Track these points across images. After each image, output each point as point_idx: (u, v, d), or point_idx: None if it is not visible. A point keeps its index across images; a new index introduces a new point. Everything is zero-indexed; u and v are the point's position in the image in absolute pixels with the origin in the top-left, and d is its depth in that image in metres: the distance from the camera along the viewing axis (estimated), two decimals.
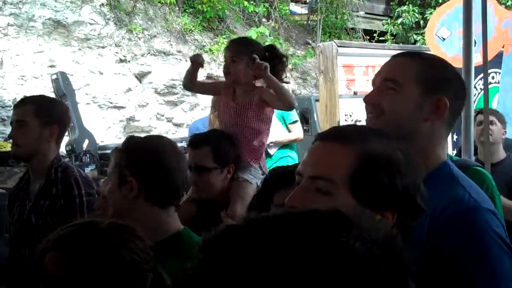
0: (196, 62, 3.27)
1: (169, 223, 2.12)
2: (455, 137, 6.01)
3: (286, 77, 3.23)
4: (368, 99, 1.80)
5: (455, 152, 5.48)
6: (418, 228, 1.41)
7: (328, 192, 1.32)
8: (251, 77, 3.09)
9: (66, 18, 10.24)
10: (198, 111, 10.71)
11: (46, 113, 3.04)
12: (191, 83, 3.35)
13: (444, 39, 6.55)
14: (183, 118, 10.85)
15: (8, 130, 8.98)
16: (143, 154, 2.12)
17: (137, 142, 2.19)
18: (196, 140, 2.97)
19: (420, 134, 1.72)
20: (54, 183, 2.95)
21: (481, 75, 5.39)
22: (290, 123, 6.04)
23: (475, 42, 3.64)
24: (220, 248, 0.80)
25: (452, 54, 6.44)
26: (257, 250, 0.77)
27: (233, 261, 0.77)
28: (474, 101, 3.63)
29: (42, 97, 3.42)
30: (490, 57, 4.10)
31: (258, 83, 3.19)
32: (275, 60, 3.14)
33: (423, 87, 1.74)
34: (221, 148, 2.90)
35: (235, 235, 0.81)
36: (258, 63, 2.97)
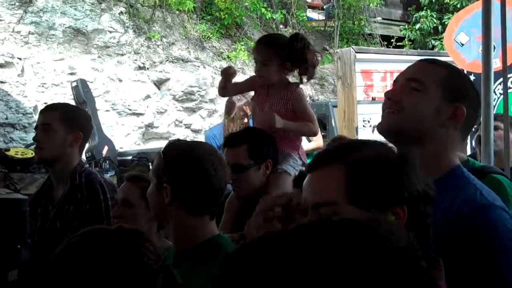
0: (227, 73, 3.31)
1: (200, 231, 2.12)
2: (473, 142, 5.99)
3: (308, 73, 3.13)
4: (390, 94, 1.83)
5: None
6: (431, 227, 1.43)
7: (333, 214, 1.34)
8: (284, 75, 3.10)
9: (86, 26, 10.34)
10: (216, 117, 10.75)
11: (71, 120, 3.10)
12: (224, 90, 3.40)
13: (462, 44, 6.53)
14: (201, 125, 10.90)
15: (29, 136, 9.09)
16: (179, 162, 2.12)
17: (176, 149, 2.18)
18: (231, 139, 3.00)
19: (434, 138, 1.76)
20: (79, 188, 2.99)
21: (500, 79, 5.37)
22: None
23: (494, 47, 3.63)
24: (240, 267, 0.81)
25: (470, 59, 6.43)
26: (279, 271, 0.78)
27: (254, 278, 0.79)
28: (494, 106, 3.62)
29: (67, 104, 3.50)
30: (509, 62, 4.09)
31: (290, 78, 3.19)
32: (303, 49, 3.07)
33: (444, 93, 1.78)
34: (256, 145, 2.91)
35: (257, 252, 0.82)
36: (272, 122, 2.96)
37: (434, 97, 1.77)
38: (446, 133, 1.78)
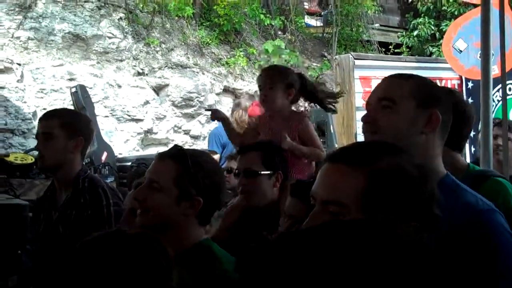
0: (219, 118, 3.47)
1: (196, 236, 2.14)
2: (473, 148, 6.01)
3: (328, 102, 3.37)
4: (365, 119, 1.86)
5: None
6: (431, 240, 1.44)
7: (341, 215, 1.35)
8: (288, 103, 3.24)
9: (85, 32, 10.37)
10: (215, 123, 10.75)
11: (72, 126, 3.10)
12: (237, 141, 3.55)
13: (461, 51, 6.56)
14: (200, 131, 10.91)
15: (28, 142, 9.10)
16: (210, 174, 2.12)
17: (197, 160, 2.14)
18: (245, 147, 3.05)
19: (417, 147, 1.77)
20: (82, 193, 3.00)
21: (499, 86, 5.40)
22: None
23: (492, 54, 3.66)
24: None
25: (469, 66, 6.46)
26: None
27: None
28: (492, 113, 3.65)
29: (67, 110, 3.50)
30: (507, 68, 4.12)
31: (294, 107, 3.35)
32: (305, 88, 3.30)
33: (416, 102, 1.81)
34: (269, 154, 2.93)
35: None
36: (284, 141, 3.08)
37: (408, 109, 1.80)
38: (426, 140, 1.81)
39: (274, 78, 3.22)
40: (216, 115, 3.57)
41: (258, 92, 3.34)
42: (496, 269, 1.62)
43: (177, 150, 2.18)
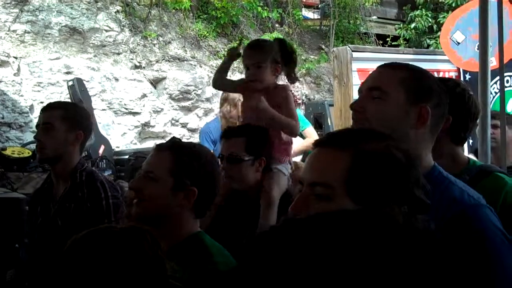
0: (234, 53, 3.32)
1: (190, 229, 2.16)
2: (471, 140, 6.01)
3: (294, 74, 3.24)
4: (354, 106, 1.86)
5: (471, 156, 5.47)
6: None
7: (327, 197, 1.36)
8: (275, 78, 3.15)
9: (82, 25, 10.33)
10: (212, 116, 10.75)
11: (73, 118, 3.12)
12: (219, 80, 3.41)
13: (458, 43, 6.56)
14: (198, 124, 10.90)
15: (25, 136, 9.08)
16: (205, 164, 2.14)
17: (192, 151, 2.18)
18: (229, 132, 3.03)
19: (407, 140, 1.75)
20: (80, 186, 3.01)
21: (497, 78, 5.40)
22: (304, 129, 5.93)
23: (490, 46, 3.66)
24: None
25: (466, 58, 6.46)
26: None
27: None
28: (490, 105, 3.66)
29: (68, 103, 3.53)
30: (505, 60, 4.12)
31: (279, 81, 3.24)
32: (286, 56, 3.16)
33: (408, 96, 1.80)
34: (253, 140, 2.93)
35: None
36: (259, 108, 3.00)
37: (398, 101, 1.80)
38: (416, 134, 1.80)
39: (261, 56, 3.11)
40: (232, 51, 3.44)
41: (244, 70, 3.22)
42: (484, 266, 1.61)
43: (173, 141, 2.20)
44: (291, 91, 3.19)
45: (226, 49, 11.77)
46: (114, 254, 1.54)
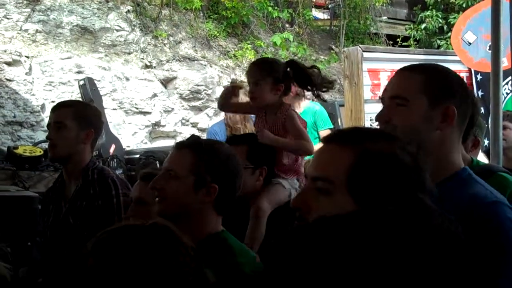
0: (233, 89, 3.31)
1: (213, 227, 2.17)
2: (486, 141, 5.99)
3: (324, 86, 3.12)
4: (379, 118, 1.87)
5: (483, 156, 5.45)
6: None
7: (327, 192, 1.36)
8: (277, 97, 3.08)
9: (93, 24, 10.38)
10: (222, 116, 10.76)
11: (83, 117, 3.14)
12: (225, 105, 3.39)
13: (470, 43, 6.54)
14: (208, 123, 10.91)
15: (37, 135, 9.13)
16: (225, 161, 2.16)
17: (213, 148, 2.19)
18: (233, 139, 3.04)
19: (432, 143, 1.77)
20: (91, 184, 3.03)
21: (509, 78, 5.39)
22: (322, 130, 5.91)
23: (502, 46, 3.65)
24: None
25: (478, 58, 6.44)
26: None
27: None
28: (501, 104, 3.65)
29: (79, 102, 3.55)
30: None
31: (286, 100, 3.19)
32: (299, 74, 3.08)
33: (429, 99, 1.79)
34: (255, 148, 2.91)
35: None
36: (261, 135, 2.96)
37: (420, 106, 1.79)
38: (443, 135, 1.79)
39: (259, 74, 3.07)
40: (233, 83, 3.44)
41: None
42: (500, 262, 1.61)
43: (193, 139, 2.21)
44: (292, 109, 3.13)
45: (235, 50, 11.79)
46: (147, 252, 1.48)
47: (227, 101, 3.33)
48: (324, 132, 5.80)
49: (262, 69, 3.10)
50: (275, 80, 3.03)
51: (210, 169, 2.12)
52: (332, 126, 6.04)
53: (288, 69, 3.09)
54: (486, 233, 1.63)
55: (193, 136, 2.26)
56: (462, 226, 1.61)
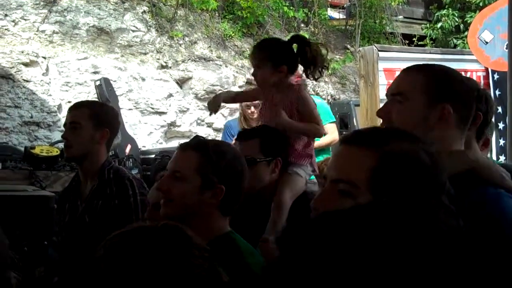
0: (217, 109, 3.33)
1: (219, 227, 2.16)
2: (501, 141, 5.93)
3: (324, 68, 3.02)
4: (379, 113, 1.91)
5: (502, 157, 5.40)
6: None
7: (349, 194, 1.37)
8: (281, 77, 3.00)
9: (109, 25, 10.44)
10: (237, 116, 10.78)
11: (99, 117, 3.15)
12: (231, 101, 3.44)
13: (487, 42, 6.49)
14: (223, 123, 10.93)
15: (53, 135, 9.20)
16: (231, 162, 2.15)
17: (219, 149, 2.18)
18: (244, 133, 2.99)
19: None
20: (108, 183, 3.04)
21: None
22: (326, 124, 5.84)
23: None
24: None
25: (495, 57, 6.39)
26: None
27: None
28: None
29: (95, 102, 3.56)
30: None
31: (293, 80, 3.11)
32: (307, 51, 2.98)
33: (427, 98, 1.81)
34: (268, 140, 2.87)
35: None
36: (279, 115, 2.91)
37: (418, 105, 1.82)
38: (440, 133, 1.80)
39: (258, 58, 3.03)
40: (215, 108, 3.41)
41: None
42: (503, 253, 1.61)
43: (198, 140, 2.20)
44: (304, 86, 3.09)
45: (250, 48, 11.78)
46: (153, 253, 1.47)
47: (216, 108, 3.35)
48: (329, 127, 5.64)
49: (261, 53, 3.06)
50: (275, 62, 2.96)
51: (216, 170, 2.10)
52: (334, 120, 5.94)
53: (295, 45, 3.02)
54: (489, 224, 1.65)
55: (197, 136, 2.25)
56: (467, 215, 1.62)
